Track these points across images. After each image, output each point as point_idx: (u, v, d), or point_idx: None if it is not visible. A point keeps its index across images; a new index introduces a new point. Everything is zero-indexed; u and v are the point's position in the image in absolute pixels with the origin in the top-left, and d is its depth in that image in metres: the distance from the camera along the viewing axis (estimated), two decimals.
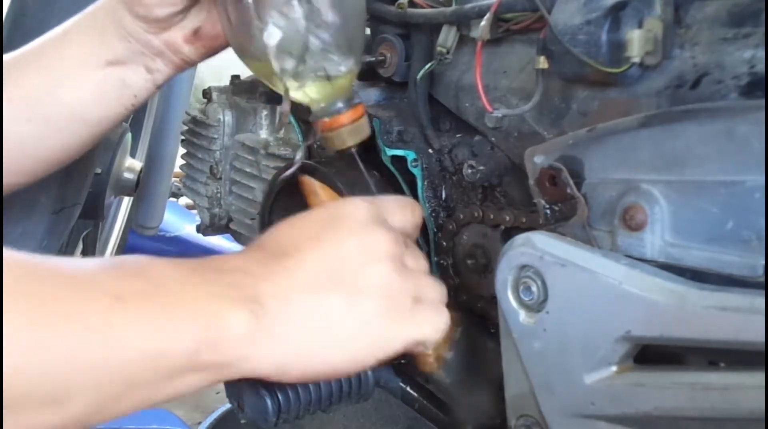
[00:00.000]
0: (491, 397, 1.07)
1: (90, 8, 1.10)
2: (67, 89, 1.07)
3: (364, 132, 1.11)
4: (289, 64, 0.95)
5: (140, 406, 0.60)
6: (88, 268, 0.60)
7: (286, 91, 0.97)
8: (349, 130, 1.08)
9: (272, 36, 0.91)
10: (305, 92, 1.00)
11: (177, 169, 2.21)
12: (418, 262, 0.84)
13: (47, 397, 0.52)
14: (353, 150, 1.09)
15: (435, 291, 0.84)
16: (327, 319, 0.71)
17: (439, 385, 1.06)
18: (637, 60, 0.92)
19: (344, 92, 1.05)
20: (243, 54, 0.99)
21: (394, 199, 0.92)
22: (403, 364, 1.32)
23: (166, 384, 0.59)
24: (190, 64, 1.13)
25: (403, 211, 0.88)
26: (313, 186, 1.07)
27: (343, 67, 1.01)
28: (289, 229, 0.77)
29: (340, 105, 1.05)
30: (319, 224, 0.78)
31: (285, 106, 0.98)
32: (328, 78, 1.00)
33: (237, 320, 0.63)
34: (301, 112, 1.39)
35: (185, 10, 1.05)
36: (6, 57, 1.08)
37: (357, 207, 0.79)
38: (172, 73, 1.12)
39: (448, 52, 1.18)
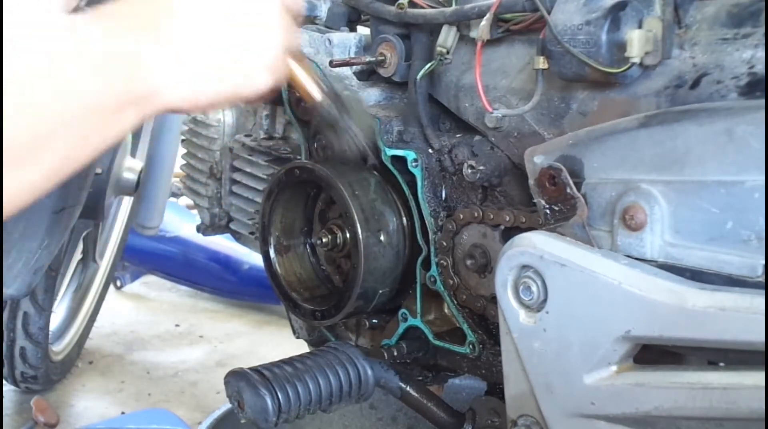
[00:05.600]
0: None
1: None
2: None
3: None
4: None
5: (101, 146, 0.73)
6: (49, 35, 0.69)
7: None
8: None
9: None
10: None
11: (177, 169, 2.21)
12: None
13: (28, 146, 0.64)
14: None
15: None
16: (219, 37, 0.81)
17: (328, 113, 1.14)
18: (636, 60, 0.92)
19: None
20: None
21: None
22: (403, 364, 1.33)
23: (115, 119, 0.72)
24: None
25: None
26: None
27: None
28: None
29: None
30: None
31: None
32: None
33: (147, 52, 0.75)
34: (301, 112, 1.39)
35: None
36: None
37: None
38: None
39: (448, 52, 1.18)
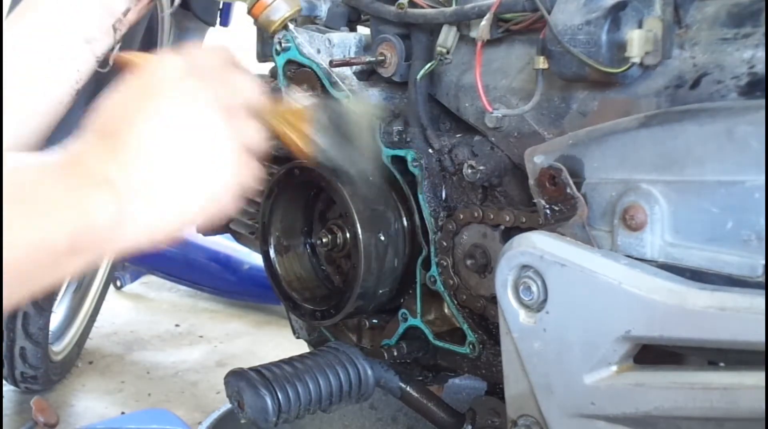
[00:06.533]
0: (369, 159, 1.04)
1: None
2: None
3: (293, 4, 1.18)
4: None
5: (34, 294, 0.69)
6: None
7: None
8: (274, 7, 1.17)
9: None
10: None
11: None
12: (234, 95, 0.85)
13: None
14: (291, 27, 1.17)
15: (253, 128, 0.85)
16: (171, 182, 0.76)
17: (325, 166, 1.03)
18: (636, 60, 0.92)
19: None
20: None
21: (203, 47, 0.95)
22: (403, 364, 1.33)
23: (51, 270, 0.68)
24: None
25: (210, 53, 0.89)
26: (128, 57, 1.03)
27: None
28: (112, 108, 0.78)
29: None
30: (137, 94, 0.79)
31: None
32: None
33: (99, 202, 0.70)
34: None
35: None
36: None
37: (167, 66, 0.80)
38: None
39: (448, 52, 1.18)
